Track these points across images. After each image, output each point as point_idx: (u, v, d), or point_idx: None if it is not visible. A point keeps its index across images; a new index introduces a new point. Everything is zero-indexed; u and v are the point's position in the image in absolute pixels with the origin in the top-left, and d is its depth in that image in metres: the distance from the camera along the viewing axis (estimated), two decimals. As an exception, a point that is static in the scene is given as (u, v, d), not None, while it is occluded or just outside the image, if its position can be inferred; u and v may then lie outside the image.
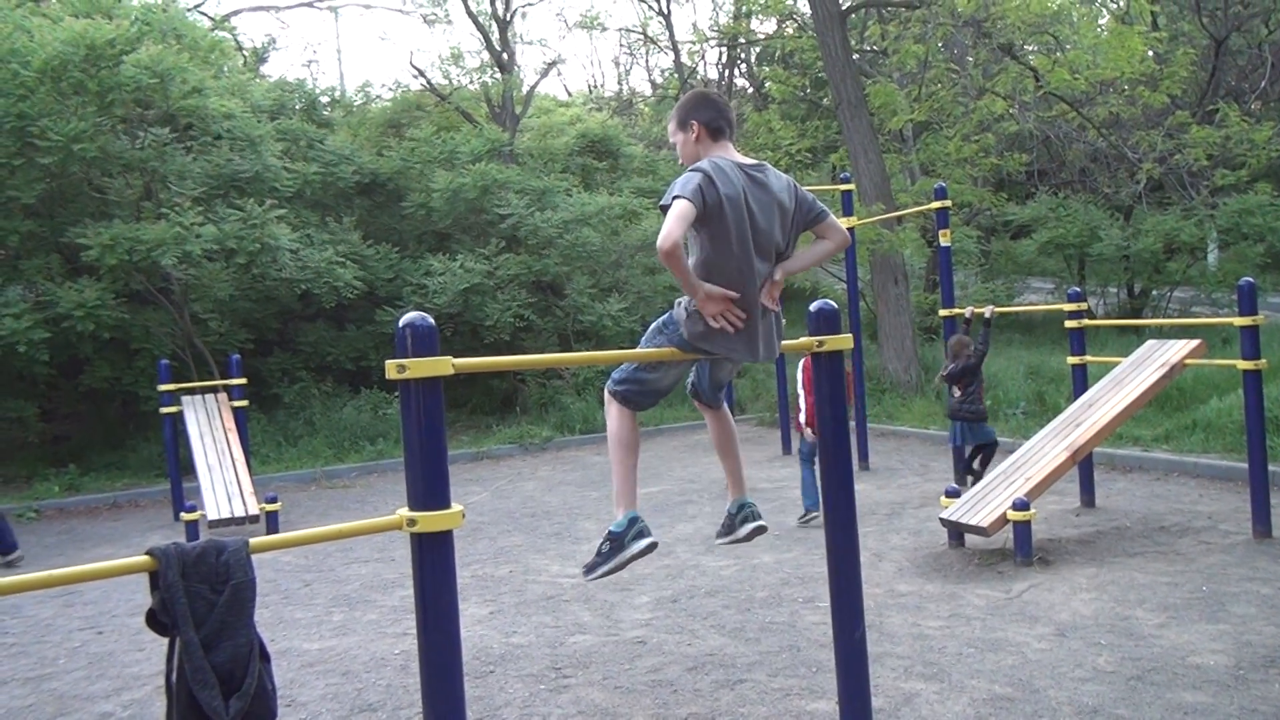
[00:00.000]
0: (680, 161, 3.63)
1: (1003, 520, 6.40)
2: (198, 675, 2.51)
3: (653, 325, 3.68)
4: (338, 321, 14.91)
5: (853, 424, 9.46)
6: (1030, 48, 18.81)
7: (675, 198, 3.22)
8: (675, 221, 3.17)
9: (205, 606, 2.56)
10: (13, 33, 11.40)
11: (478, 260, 14.45)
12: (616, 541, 3.63)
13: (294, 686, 5.01)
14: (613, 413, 3.77)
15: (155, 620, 2.56)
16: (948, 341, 8.60)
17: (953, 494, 7.07)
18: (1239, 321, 6.64)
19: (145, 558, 2.51)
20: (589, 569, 3.66)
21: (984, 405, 8.36)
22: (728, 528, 3.92)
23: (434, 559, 2.71)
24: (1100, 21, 20.91)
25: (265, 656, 2.67)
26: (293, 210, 13.66)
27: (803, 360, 7.97)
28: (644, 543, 3.60)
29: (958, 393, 8.32)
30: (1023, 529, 6.39)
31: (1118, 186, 17.80)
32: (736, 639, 5.33)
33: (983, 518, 6.48)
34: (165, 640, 2.56)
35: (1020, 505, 6.37)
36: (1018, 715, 4.14)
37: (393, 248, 15.00)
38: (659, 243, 3.15)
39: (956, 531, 6.87)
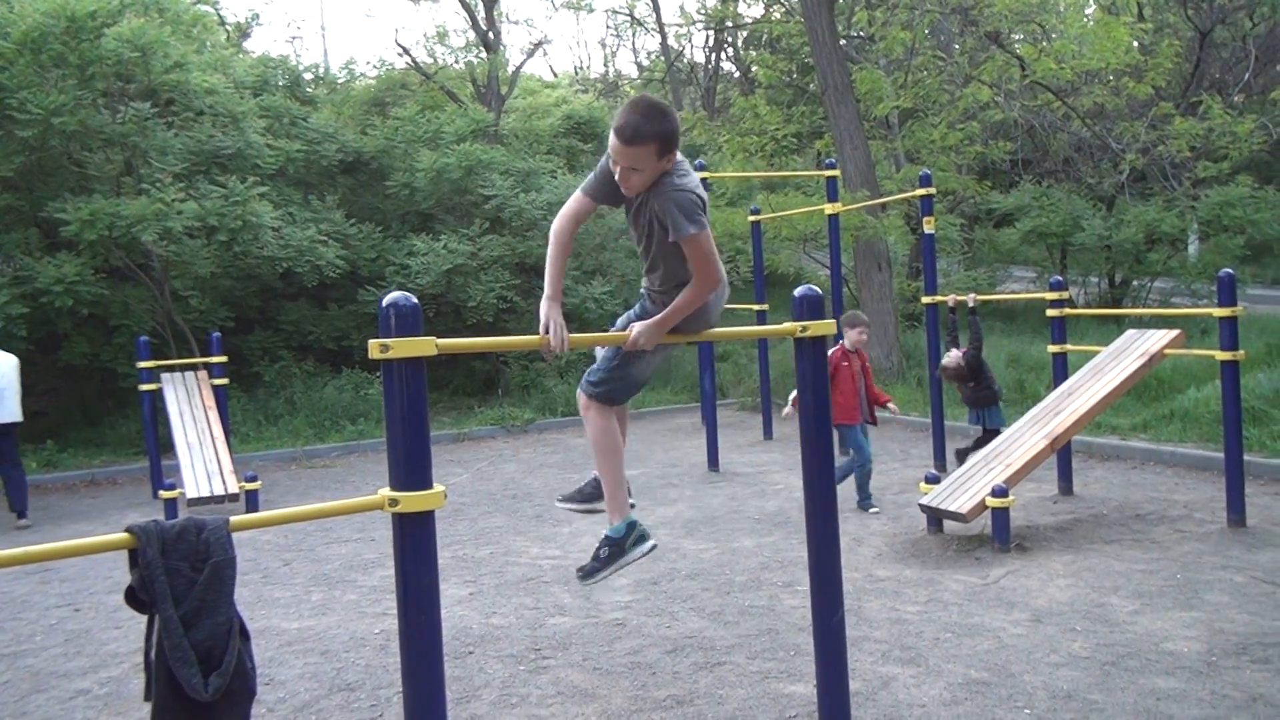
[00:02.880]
0: (638, 180, 3.41)
1: (981, 507, 6.45)
2: (177, 653, 2.50)
3: (629, 314, 3.68)
4: (319, 301, 14.84)
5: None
6: (1017, 36, 18.84)
7: (702, 226, 3.33)
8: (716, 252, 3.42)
9: (185, 584, 2.55)
10: (-8, 3, 11.26)
11: (461, 241, 14.39)
12: (616, 546, 3.61)
13: (273, 665, 5.01)
14: (593, 416, 3.69)
15: (134, 598, 2.55)
16: (940, 365, 8.49)
17: (932, 480, 7.12)
18: (1218, 312, 6.69)
19: (125, 535, 2.50)
20: (587, 574, 3.64)
21: (999, 387, 8.36)
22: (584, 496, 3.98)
23: (415, 539, 2.71)
24: (1087, 11, 20.97)
25: (245, 635, 2.66)
26: (275, 188, 13.57)
27: (831, 351, 7.63)
28: (645, 546, 3.61)
29: (971, 384, 8.26)
30: (1001, 516, 6.44)
31: (1101, 176, 17.88)
32: (716, 622, 5.36)
33: (962, 504, 6.53)
34: (144, 618, 2.55)
35: (999, 492, 6.42)
36: (993, 699, 4.18)
37: (376, 227, 14.92)
38: (719, 277, 3.40)
39: (935, 517, 6.91)
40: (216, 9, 21.25)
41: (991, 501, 6.42)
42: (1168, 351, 7.32)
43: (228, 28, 22.68)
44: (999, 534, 6.45)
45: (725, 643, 5.03)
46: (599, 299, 14.74)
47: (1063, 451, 7.75)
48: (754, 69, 24.47)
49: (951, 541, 6.71)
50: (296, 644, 5.35)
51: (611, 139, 3.33)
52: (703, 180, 10.40)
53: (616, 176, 3.39)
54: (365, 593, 6.28)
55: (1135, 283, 17.68)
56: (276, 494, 9.72)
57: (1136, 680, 4.30)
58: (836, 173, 11.30)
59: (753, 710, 4.20)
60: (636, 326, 3.45)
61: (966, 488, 6.70)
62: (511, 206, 14.74)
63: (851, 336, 7.76)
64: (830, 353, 7.24)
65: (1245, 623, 4.93)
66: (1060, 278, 8.40)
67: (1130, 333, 7.66)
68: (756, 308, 12.15)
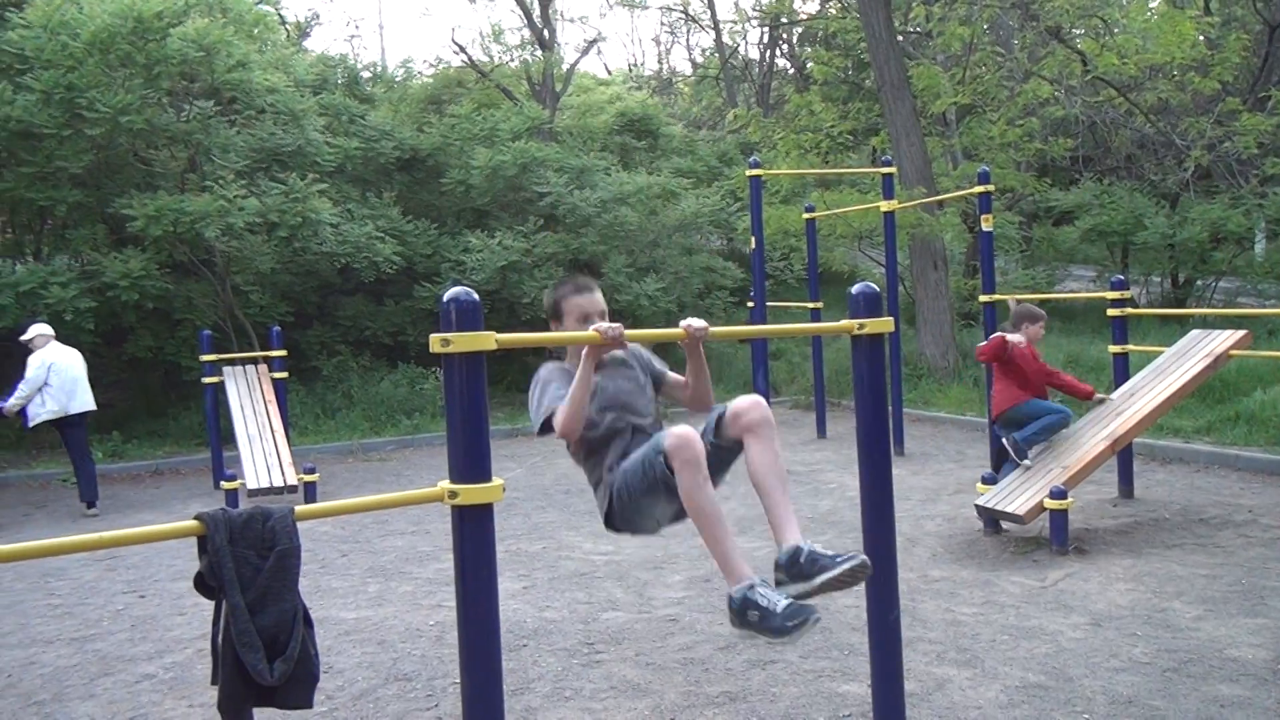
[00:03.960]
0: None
1: (1039, 508, 6.36)
2: (243, 638, 2.56)
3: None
4: (376, 296, 15.03)
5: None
6: (1078, 31, 18.51)
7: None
8: None
9: (251, 571, 2.61)
10: (62, 4, 11.54)
11: (516, 238, 14.49)
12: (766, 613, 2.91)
13: (331, 654, 5.09)
14: (684, 480, 3.02)
15: (203, 583, 2.61)
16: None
17: (989, 480, 7.03)
18: (1287, 313, 6.53)
19: (194, 522, 2.56)
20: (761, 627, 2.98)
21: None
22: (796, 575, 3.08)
23: (474, 532, 2.74)
24: (1151, 5, 20.51)
25: (309, 622, 2.72)
26: (334, 185, 13.77)
27: (1022, 345, 7.23)
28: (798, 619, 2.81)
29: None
30: (1059, 518, 6.35)
31: (1164, 174, 17.51)
32: (769, 619, 5.34)
33: (1019, 505, 6.45)
34: (209, 605, 2.62)
35: (1058, 494, 6.33)
36: (1051, 703, 4.13)
37: (432, 224, 15.07)
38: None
39: (992, 519, 6.84)
40: (277, 9, 21.59)
41: (1050, 503, 6.34)
42: (1233, 352, 7.16)
43: (288, 27, 23.06)
44: (1057, 536, 6.36)
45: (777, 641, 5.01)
46: (652, 295, 14.77)
47: (1124, 453, 7.62)
48: (809, 65, 24.31)
49: (1008, 543, 6.64)
50: (354, 633, 5.44)
51: (581, 299, 3.44)
52: (756, 178, 10.43)
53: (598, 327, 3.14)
54: (421, 584, 6.36)
55: (1199, 282, 17.29)
56: (334, 486, 9.87)
57: (1199, 687, 4.23)
58: (893, 170, 11.20)
59: (806, 708, 4.19)
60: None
61: (1024, 489, 6.61)
62: (566, 204, 14.81)
63: (1033, 332, 7.45)
64: (1022, 346, 7.12)
65: (1313, 630, 4.82)
66: (1122, 277, 8.25)
67: (1195, 333, 7.51)
68: (810, 305, 12.09)
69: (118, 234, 12.45)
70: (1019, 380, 7.17)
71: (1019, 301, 8.14)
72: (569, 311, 3.29)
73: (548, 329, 3.51)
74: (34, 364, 9.08)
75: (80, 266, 12.35)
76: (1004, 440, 7.04)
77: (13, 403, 9.07)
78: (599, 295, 3.33)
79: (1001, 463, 7.25)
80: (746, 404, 3.19)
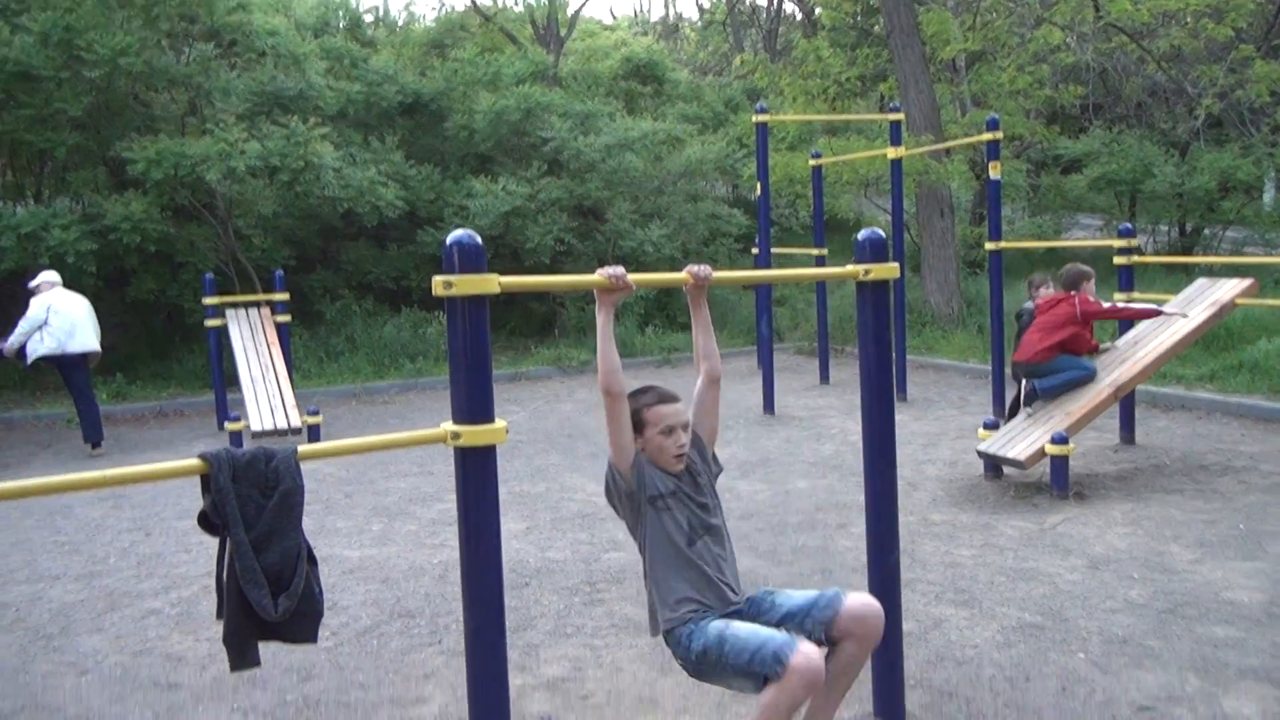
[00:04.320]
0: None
1: (1040, 454, 6.39)
2: (248, 575, 2.59)
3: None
4: (379, 241, 14.98)
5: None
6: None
7: None
8: None
9: (255, 510, 2.63)
10: (60, -57, 11.39)
11: (519, 183, 14.40)
12: None
13: (335, 591, 5.15)
14: (784, 697, 2.73)
15: (207, 521, 2.63)
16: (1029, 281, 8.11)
17: (990, 426, 7.05)
18: (1293, 261, 6.50)
19: (198, 461, 2.58)
20: None
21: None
22: None
23: (477, 473, 2.75)
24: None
25: (312, 560, 2.75)
26: (336, 129, 13.66)
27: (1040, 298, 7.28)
28: None
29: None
30: (1060, 463, 6.38)
31: (1175, 122, 17.33)
32: (769, 561, 5.40)
33: (1020, 451, 6.47)
34: (213, 543, 2.64)
35: (1059, 439, 6.35)
36: (1046, 643, 4.18)
37: (435, 168, 14.98)
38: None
39: (993, 464, 6.87)
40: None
41: (1051, 449, 6.36)
42: (1239, 301, 7.14)
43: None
44: (1057, 481, 6.39)
45: (778, 581, 5.07)
46: (656, 242, 14.71)
47: (1126, 400, 7.64)
48: (817, 10, 23.95)
49: (1009, 488, 6.67)
50: (358, 571, 5.50)
51: (665, 409, 3.08)
52: (763, 124, 10.34)
53: (675, 447, 3.04)
54: (424, 524, 6.42)
55: (1207, 231, 17.20)
56: (337, 429, 9.92)
57: (1194, 628, 4.27)
58: (900, 116, 11.09)
59: (805, 648, 4.24)
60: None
61: (1025, 435, 6.64)
62: (570, 149, 14.70)
63: (1089, 287, 7.33)
64: (1085, 300, 6.93)
65: (1309, 575, 4.86)
66: (1129, 225, 8.20)
67: (1201, 281, 7.48)
68: (815, 252, 12.04)
69: (118, 177, 12.40)
70: (1065, 337, 6.99)
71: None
72: (652, 421, 3.05)
73: (550, 275, 3.47)
74: (35, 305, 9.14)
75: (81, 209, 12.30)
76: (1025, 386, 7.00)
77: (11, 341, 9.14)
78: (683, 405, 3.11)
79: (1018, 409, 7.18)
80: (871, 614, 2.96)
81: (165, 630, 4.75)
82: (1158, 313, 7.03)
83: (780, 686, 2.69)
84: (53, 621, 4.94)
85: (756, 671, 2.73)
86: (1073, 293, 6.98)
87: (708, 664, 2.88)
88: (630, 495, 3.04)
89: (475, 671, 2.77)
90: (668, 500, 3.02)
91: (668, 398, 3.08)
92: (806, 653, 2.68)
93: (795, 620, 2.95)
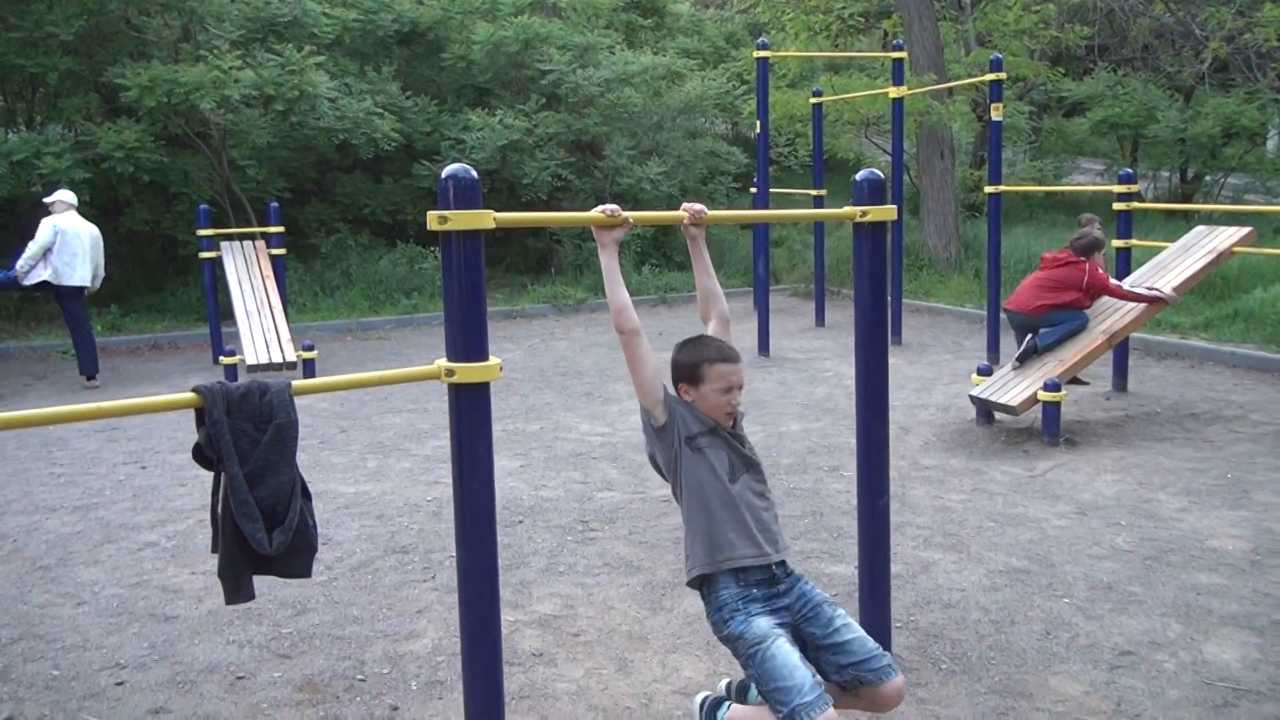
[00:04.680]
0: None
1: (1033, 400, 6.42)
2: (243, 508, 2.60)
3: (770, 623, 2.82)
4: (375, 174, 14.84)
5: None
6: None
7: None
8: None
9: (249, 444, 2.63)
10: None
11: (517, 117, 14.23)
12: None
13: (330, 526, 5.19)
14: None
15: (201, 455, 2.64)
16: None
17: (984, 372, 7.07)
18: (1294, 210, 6.47)
19: (191, 395, 2.57)
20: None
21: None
22: None
23: (471, 410, 2.75)
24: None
25: (307, 495, 2.76)
26: (331, 58, 13.45)
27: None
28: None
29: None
30: (1052, 409, 6.41)
31: (1181, 65, 17.14)
32: (760, 503, 5.44)
33: (1012, 397, 6.50)
34: (209, 476, 2.65)
35: (1051, 386, 6.38)
36: (1032, 587, 4.24)
37: (431, 100, 14.78)
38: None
39: (985, 409, 6.90)
40: None
41: (1043, 395, 6.38)
42: (1237, 249, 7.12)
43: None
44: (1048, 427, 6.43)
45: (769, 523, 5.11)
46: (654, 179, 14.59)
47: (1119, 348, 7.65)
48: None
49: (1000, 434, 6.71)
50: (352, 507, 5.54)
51: (726, 368, 2.91)
52: (764, 60, 10.20)
53: (729, 405, 2.91)
54: (419, 461, 6.45)
55: (1208, 178, 17.10)
56: (333, 364, 9.92)
57: (1178, 575, 4.33)
58: (903, 54, 10.95)
59: (794, 588, 4.29)
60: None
61: (1019, 381, 6.66)
62: (569, 82, 14.50)
63: (1099, 258, 7.22)
64: (1094, 271, 6.82)
65: (1294, 524, 4.91)
66: (1130, 170, 8.14)
67: (1199, 229, 7.45)
68: (814, 193, 11.95)
69: (111, 104, 12.22)
70: (1067, 301, 6.94)
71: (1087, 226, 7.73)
72: (711, 378, 2.87)
73: (547, 211, 3.40)
74: (44, 228, 9.00)
75: (74, 137, 12.14)
76: (1027, 343, 6.92)
77: (20, 265, 9.00)
78: (743, 366, 2.97)
79: (1028, 355, 7.11)
80: (895, 703, 2.84)
81: (161, 563, 4.79)
82: (1159, 300, 6.87)
83: None
84: (50, 552, 4.97)
85: (771, 701, 2.66)
86: (1084, 259, 6.91)
87: (733, 647, 2.81)
88: (661, 433, 2.91)
89: (467, 608, 2.80)
90: (705, 439, 2.89)
91: (730, 356, 2.92)
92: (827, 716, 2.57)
93: (838, 661, 2.81)
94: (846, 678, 2.79)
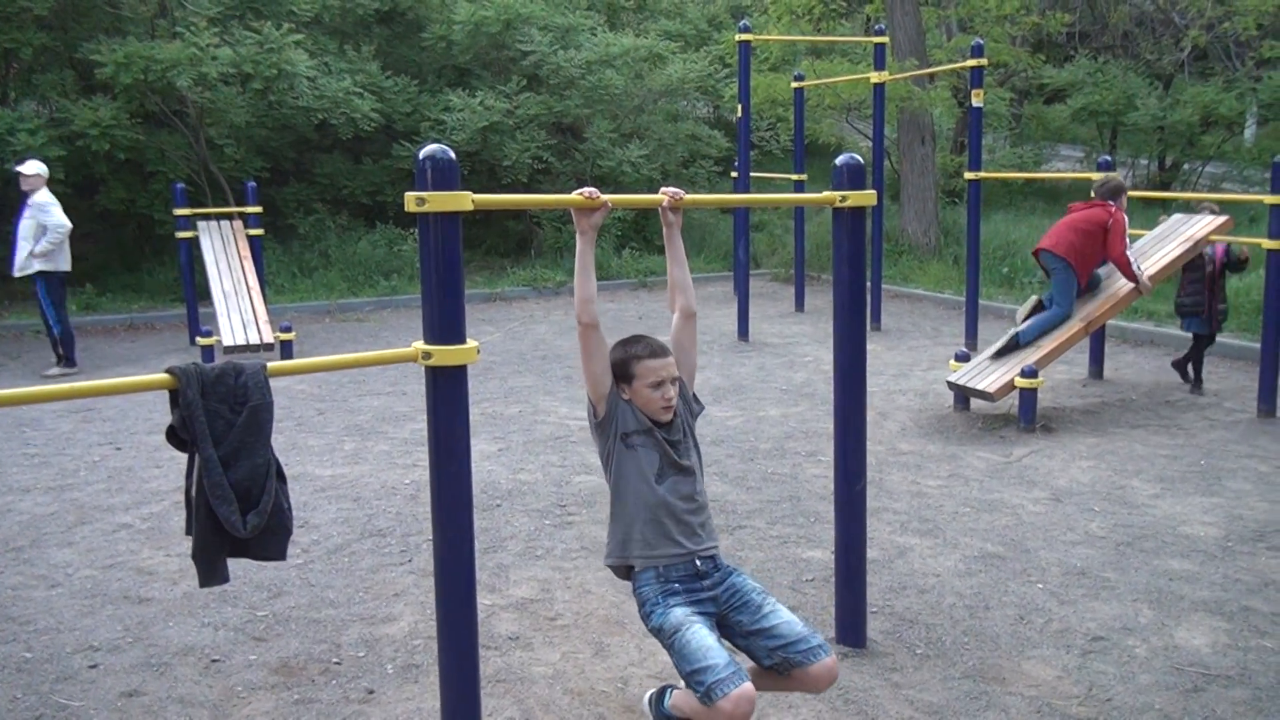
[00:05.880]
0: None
1: (1009, 386, 6.46)
2: (217, 491, 2.58)
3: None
4: (354, 154, 14.72)
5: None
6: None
7: None
8: None
9: (224, 426, 2.61)
10: None
11: (498, 98, 14.15)
12: None
13: (306, 509, 5.17)
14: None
15: (175, 436, 2.62)
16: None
17: (962, 358, 7.10)
18: (1269, 199, 6.53)
19: (166, 375, 2.55)
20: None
21: (1191, 300, 7.43)
22: None
23: (448, 393, 2.74)
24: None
25: (282, 477, 2.74)
26: (310, 36, 13.32)
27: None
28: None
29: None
30: (1029, 396, 6.45)
31: (1160, 53, 17.19)
32: (738, 487, 5.46)
33: (990, 383, 6.53)
34: (184, 458, 2.63)
35: (1028, 373, 6.41)
36: (1007, 572, 4.27)
37: (411, 80, 14.67)
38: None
39: (962, 395, 6.93)
40: None
41: (1020, 381, 6.42)
42: (1213, 237, 7.17)
43: None
44: (1025, 414, 6.47)
45: (747, 507, 5.13)
46: (635, 162, 14.55)
47: (1096, 335, 7.70)
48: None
49: (977, 420, 6.75)
50: (330, 490, 5.52)
51: (655, 363, 2.94)
52: (746, 44, 10.18)
53: (663, 400, 2.94)
54: (396, 444, 6.43)
55: (1186, 166, 17.19)
56: (310, 345, 9.86)
57: (1150, 561, 4.37)
58: (885, 39, 10.94)
59: (770, 571, 4.31)
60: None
61: (996, 368, 6.69)
62: (550, 63, 14.42)
63: (1123, 202, 7.25)
64: (1119, 217, 6.79)
65: (1265, 510, 4.97)
66: (1109, 157, 8.17)
67: (1176, 216, 7.50)
68: (795, 177, 11.96)
69: (86, 80, 12.06)
70: (1091, 245, 6.84)
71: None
72: (640, 374, 2.93)
73: (527, 193, 3.40)
74: (56, 212, 8.69)
75: (49, 113, 11.98)
76: (1008, 339, 6.90)
77: (42, 247, 8.69)
78: (672, 359, 3.01)
79: (1009, 349, 7.08)
80: (827, 682, 2.84)
81: (136, 545, 4.76)
82: (1137, 284, 6.84)
83: (703, 711, 2.68)
84: (22, 534, 4.93)
85: (690, 684, 2.70)
86: (1111, 202, 6.91)
87: (658, 639, 2.86)
88: (601, 426, 3.00)
89: (444, 591, 2.80)
90: (639, 438, 2.96)
91: (658, 351, 2.97)
92: (737, 700, 2.60)
93: (767, 645, 2.84)
94: (776, 660, 2.83)
